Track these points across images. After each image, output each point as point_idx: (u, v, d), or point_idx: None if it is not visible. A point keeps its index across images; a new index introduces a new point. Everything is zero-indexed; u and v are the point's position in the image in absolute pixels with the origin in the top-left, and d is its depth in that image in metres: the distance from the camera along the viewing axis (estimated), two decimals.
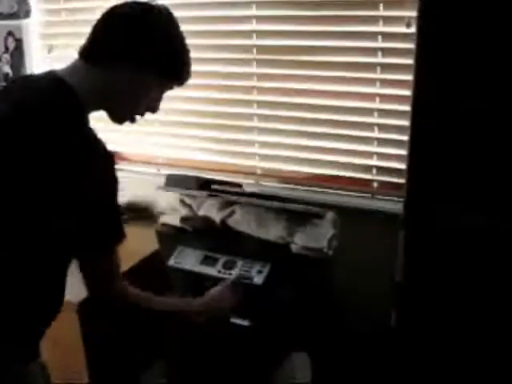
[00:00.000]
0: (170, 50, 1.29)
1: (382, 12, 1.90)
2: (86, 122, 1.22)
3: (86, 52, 1.28)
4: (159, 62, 1.28)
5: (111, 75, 1.26)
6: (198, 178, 1.95)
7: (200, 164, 2.38)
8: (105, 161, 1.20)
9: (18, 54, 2.56)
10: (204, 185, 1.93)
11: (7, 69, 2.62)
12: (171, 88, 1.37)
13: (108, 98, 1.28)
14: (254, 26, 2.12)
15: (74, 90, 1.21)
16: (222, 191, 1.87)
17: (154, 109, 1.36)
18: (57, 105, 1.20)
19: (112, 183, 1.22)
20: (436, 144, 1.42)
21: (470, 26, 1.32)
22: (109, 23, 1.27)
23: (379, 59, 1.94)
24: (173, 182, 1.99)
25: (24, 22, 2.52)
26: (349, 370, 1.92)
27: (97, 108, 1.27)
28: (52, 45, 2.57)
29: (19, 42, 2.55)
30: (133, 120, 1.35)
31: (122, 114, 1.34)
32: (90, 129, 1.21)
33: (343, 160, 2.11)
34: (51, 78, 1.25)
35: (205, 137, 2.36)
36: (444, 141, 1.40)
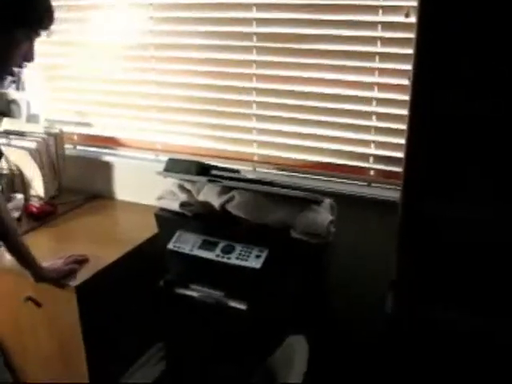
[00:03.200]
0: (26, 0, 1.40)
1: (381, 1, 1.91)
2: None
3: None
4: (21, 15, 1.37)
5: None
6: (197, 163, 1.96)
7: (198, 150, 2.39)
8: None
9: None
10: (203, 170, 1.94)
11: None
12: (39, 35, 1.45)
13: None
14: (254, 13, 2.13)
15: None
16: (222, 177, 1.89)
17: (29, 59, 1.46)
18: None
19: None
20: (434, 134, 1.43)
21: (470, 16, 1.33)
22: None
23: (378, 48, 1.96)
24: (172, 166, 2.00)
25: None
26: (346, 354, 1.96)
27: None
28: None
29: None
30: (12, 73, 1.49)
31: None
32: None
33: (341, 148, 2.12)
34: None
35: (203, 123, 2.37)
36: (442, 131, 1.42)
